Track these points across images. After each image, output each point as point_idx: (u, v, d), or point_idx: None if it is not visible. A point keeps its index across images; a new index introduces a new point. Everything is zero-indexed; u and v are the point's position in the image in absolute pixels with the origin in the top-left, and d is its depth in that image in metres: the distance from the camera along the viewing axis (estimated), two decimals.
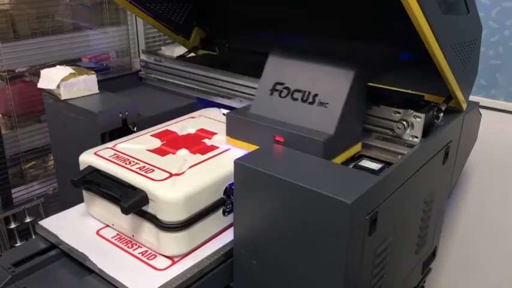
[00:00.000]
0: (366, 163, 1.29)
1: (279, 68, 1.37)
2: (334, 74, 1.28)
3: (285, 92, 1.34)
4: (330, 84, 1.27)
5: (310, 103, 1.29)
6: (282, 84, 1.35)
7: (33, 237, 1.31)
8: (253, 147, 1.29)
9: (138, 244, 1.22)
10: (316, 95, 1.29)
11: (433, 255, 1.69)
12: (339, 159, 1.30)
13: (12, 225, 2.25)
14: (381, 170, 1.25)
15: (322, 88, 1.28)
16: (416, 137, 1.34)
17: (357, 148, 1.38)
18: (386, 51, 1.57)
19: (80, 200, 1.34)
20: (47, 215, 2.06)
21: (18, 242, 2.28)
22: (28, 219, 2.30)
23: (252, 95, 1.62)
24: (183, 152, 1.34)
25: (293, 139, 1.24)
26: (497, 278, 2.14)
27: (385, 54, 1.57)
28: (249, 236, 1.17)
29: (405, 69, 1.52)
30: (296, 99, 1.32)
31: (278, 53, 1.39)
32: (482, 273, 2.18)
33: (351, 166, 1.31)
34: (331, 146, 1.23)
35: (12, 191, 2.28)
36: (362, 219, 1.03)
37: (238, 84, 1.71)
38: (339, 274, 1.02)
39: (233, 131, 1.37)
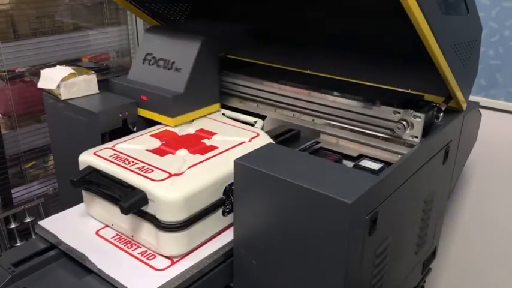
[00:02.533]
0: (366, 163, 1.29)
1: (150, 42, 1.70)
2: (186, 45, 1.61)
3: (152, 61, 1.67)
4: (183, 54, 1.60)
5: (169, 69, 1.62)
6: (151, 54, 1.68)
7: (33, 237, 1.30)
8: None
9: (137, 244, 1.22)
10: (173, 62, 1.61)
11: (433, 255, 1.69)
12: (194, 114, 1.61)
13: (12, 225, 2.25)
14: (380, 170, 1.25)
15: (178, 57, 1.61)
16: (416, 137, 1.34)
17: (215, 107, 1.69)
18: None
19: (80, 200, 1.34)
20: (47, 215, 2.06)
21: (18, 242, 2.28)
22: (28, 219, 2.30)
23: (252, 94, 1.69)
24: (182, 152, 1.34)
25: (153, 97, 1.57)
26: (497, 278, 2.13)
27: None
28: (249, 236, 1.17)
29: (405, 69, 1.52)
30: (160, 66, 1.64)
31: (151, 30, 1.74)
32: (482, 273, 2.17)
33: (351, 166, 1.31)
34: (181, 102, 1.56)
35: (12, 191, 2.28)
36: (362, 219, 1.03)
37: (238, 84, 1.71)
38: (339, 274, 1.02)
39: (117, 93, 1.68)
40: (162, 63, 1.63)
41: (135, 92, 1.61)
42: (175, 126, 1.54)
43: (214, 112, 1.69)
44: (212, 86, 1.68)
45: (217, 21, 1.93)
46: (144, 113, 1.60)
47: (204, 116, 1.65)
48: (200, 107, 1.63)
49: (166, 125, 1.55)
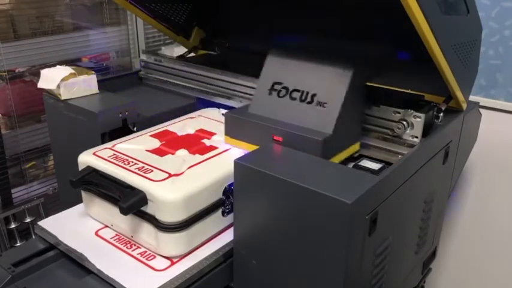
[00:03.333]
0: (366, 163, 1.29)
1: (277, 68, 1.38)
2: (332, 73, 1.28)
3: (283, 91, 1.35)
4: (328, 84, 1.28)
5: (309, 103, 1.29)
6: (280, 83, 1.36)
7: (33, 237, 1.31)
8: (252, 147, 1.30)
9: (137, 245, 1.22)
10: (314, 94, 1.29)
11: (433, 255, 1.69)
12: (337, 158, 1.30)
13: (12, 225, 2.25)
14: (380, 170, 1.24)
15: (321, 88, 1.29)
16: (416, 137, 1.34)
17: (355, 148, 1.38)
18: (384, 50, 1.57)
19: (80, 200, 1.34)
20: (47, 215, 2.06)
21: (18, 242, 2.28)
22: (28, 219, 2.30)
23: (252, 94, 1.62)
24: (182, 153, 1.34)
25: (292, 138, 1.24)
26: (498, 278, 2.13)
27: (383, 53, 1.58)
28: (249, 236, 1.17)
29: (405, 69, 1.52)
30: (294, 99, 1.32)
31: (276, 53, 1.40)
32: (482, 273, 2.17)
33: (350, 166, 1.31)
34: (330, 146, 1.24)
35: (12, 191, 2.28)
36: (362, 219, 1.03)
37: (238, 84, 1.71)
38: (339, 274, 1.02)
39: (232, 131, 1.37)
40: (298, 96, 1.32)
41: (263, 130, 1.30)
42: None
43: (353, 153, 1.40)
44: (357, 123, 1.38)
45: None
46: None
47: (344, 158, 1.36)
48: (343, 149, 1.32)
49: None
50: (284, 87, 1.35)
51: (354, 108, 1.32)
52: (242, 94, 1.70)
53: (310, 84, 1.31)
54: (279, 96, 1.35)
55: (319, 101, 1.28)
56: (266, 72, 1.39)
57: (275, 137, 1.27)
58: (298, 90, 1.32)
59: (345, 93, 1.25)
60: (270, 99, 1.36)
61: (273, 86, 1.37)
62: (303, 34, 1.76)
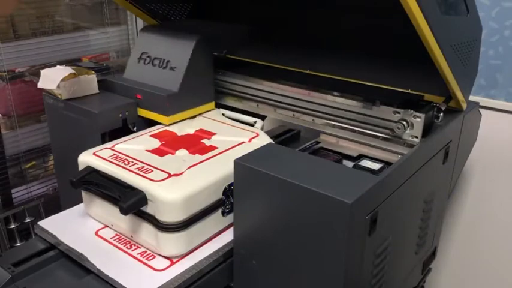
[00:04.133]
0: (365, 163, 1.30)
1: (145, 41, 1.72)
2: (181, 44, 1.62)
3: (148, 59, 1.69)
4: (178, 53, 1.61)
5: (164, 68, 1.63)
6: (146, 53, 1.70)
7: (33, 237, 1.31)
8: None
9: (137, 245, 1.22)
10: (169, 61, 1.63)
11: (433, 255, 1.68)
12: (188, 113, 1.62)
13: (12, 225, 2.25)
14: (380, 170, 1.25)
15: (174, 56, 1.62)
16: (416, 137, 1.34)
17: (208, 107, 1.70)
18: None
19: (80, 200, 1.34)
20: (47, 215, 2.06)
21: (18, 242, 2.28)
22: (28, 219, 2.29)
23: (252, 94, 1.69)
24: (182, 153, 1.34)
25: (148, 96, 1.58)
26: (498, 278, 2.13)
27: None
28: (249, 236, 1.17)
29: (405, 69, 1.52)
30: (155, 65, 1.66)
31: (147, 29, 1.75)
32: (482, 273, 2.17)
33: (351, 166, 1.31)
34: (176, 101, 1.57)
35: (12, 191, 2.28)
36: (362, 219, 1.03)
37: (238, 84, 1.71)
38: (339, 274, 1.02)
39: (113, 92, 1.68)
40: (158, 62, 1.65)
41: (130, 90, 1.62)
42: (170, 124, 1.56)
43: (209, 111, 1.70)
44: (207, 85, 1.70)
45: (217, 21, 1.92)
46: (139, 111, 1.62)
47: (199, 114, 1.66)
48: (195, 105, 1.65)
49: (166, 125, 1.55)
50: (148, 56, 1.69)
51: (200, 72, 1.64)
52: (242, 94, 1.71)
53: (167, 54, 1.64)
54: (145, 64, 1.69)
55: (172, 66, 1.62)
56: (137, 45, 1.75)
57: (137, 95, 1.60)
58: (158, 58, 1.66)
59: (188, 59, 1.58)
60: (138, 66, 1.70)
61: (141, 55, 1.70)
62: (302, 33, 1.76)
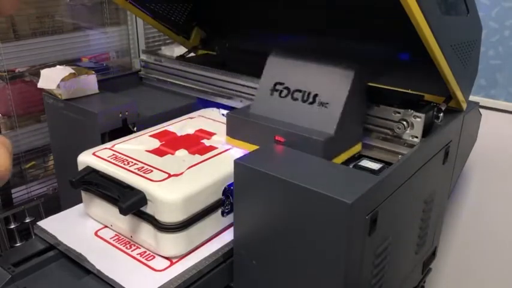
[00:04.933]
0: (366, 163, 1.29)
1: (279, 68, 1.37)
2: (334, 73, 1.28)
3: (285, 92, 1.34)
4: (330, 84, 1.27)
5: (311, 103, 1.29)
6: (282, 84, 1.35)
7: (33, 237, 1.31)
8: (253, 147, 1.29)
9: (136, 245, 1.22)
10: (316, 95, 1.29)
11: (433, 255, 1.68)
12: (339, 159, 1.30)
13: (12, 225, 2.25)
14: (380, 170, 1.24)
15: (322, 88, 1.28)
16: (416, 137, 1.34)
17: (357, 148, 1.38)
18: (385, 51, 1.57)
19: (80, 200, 1.34)
20: (47, 215, 2.06)
21: (18, 242, 2.28)
22: (28, 219, 2.29)
23: (252, 94, 1.62)
24: (181, 153, 1.34)
25: (293, 139, 1.24)
26: (497, 278, 2.13)
27: (384, 54, 1.57)
28: (249, 236, 1.17)
29: (405, 69, 1.52)
30: (296, 99, 1.32)
31: (278, 53, 1.39)
32: (482, 273, 2.17)
33: (351, 166, 1.31)
34: (331, 146, 1.24)
35: (12, 191, 2.28)
36: (362, 219, 1.03)
37: (238, 84, 1.71)
38: (339, 274, 1.02)
39: (233, 131, 1.38)
40: (300, 96, 1.31)
41: (265, 130, 1.29)
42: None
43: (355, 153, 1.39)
44: (358, 123, 1.37)
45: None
46: None
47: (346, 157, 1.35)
48: (344, 149, 1.32)
49: None
50: (286, 88, 1.34)
51: (356, 109, 1.31)
52: (242, 94, 1.70)
53: (312, 85, 1.30)
54: (281, 97, 1.34)
55: (321, 101, 1.27)
56: (268, 73, 1.39)
57: (277, 138, 1.26)
58: (300, 91, 1.32)
59: (347, 94, 1.24)
60: (272, 100, 1.35)
61: (274, 86, 1.36)
62: (303, 34, 1.76)
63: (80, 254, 1.17)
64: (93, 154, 1.31)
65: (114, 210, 1.19)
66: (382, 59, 1.56)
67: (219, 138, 1.45)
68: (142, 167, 1.24)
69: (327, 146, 1.21)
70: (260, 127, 1.31)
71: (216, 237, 1.26)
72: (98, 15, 2.60)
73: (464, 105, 1.49)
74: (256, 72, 1.47)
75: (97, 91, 1.68)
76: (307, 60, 1.34)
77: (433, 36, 1.13)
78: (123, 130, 1.56)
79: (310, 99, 1.29)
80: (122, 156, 1.30)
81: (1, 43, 2.15)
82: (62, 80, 1.59)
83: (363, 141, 1.42)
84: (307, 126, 1.26)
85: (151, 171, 1.22)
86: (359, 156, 1.43)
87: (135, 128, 1.60)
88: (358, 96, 1.30)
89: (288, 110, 1.31)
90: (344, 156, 1.32)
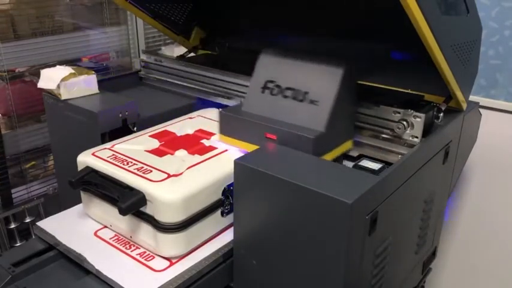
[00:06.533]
0: (366, 163, 1.29)
1: (270, 66, 1.39)
2: (324, 71, 1.30)
3: (276, 90, 1.36)
4: (320, 82, 1.29)
5: (301, 101, 1.31)
6: (273, 82, 1.37)
7: (33, 237, 1.31)
8: (245, 145, 1.33)
9: (136, 245, 1.22)
10: (306, 92, 1.31)
11: (433, 255, 1.68)
12: (330, 155, 1.31)
13: (12, 225, 2.25)
14: (380, 170, 1.24)
15: (313, 86, 1.30)
16: (416, 137, 1.34)
17: (348, 145, 1.40)
18: (377, 49, 1.58)
19: (80, 200, 1.34)
20: (47, 215, 2.06)
21: (18, 242, 2.28)
22: (28, 219, 2.30)
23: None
24: (181, 153, 1.34)
25: (284, 136, 1.26)
26: (497, 278, 2.13)
27: (375, 52, 1.58)
28: (249, 236, 1.17)
29: (405, 69, 1.52)
30: (287, 97, 1.34)
31: (269, 52, 1.41)
32: (482, 273, 2.17)
33: (350, 166, 1.31)
34: (322, 143, 1.25)
35: (12, 191, 2.28)
36: (362, 219, 1.03)
37: (238, 84, 1.71)
38: (339, 274, 1.02)
39: (226, 129, 1.39)
40: (290, 94, 1.33)
41: (257, 128, 1.31)
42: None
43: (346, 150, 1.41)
44: (349, 121, 1.39)
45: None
46: None
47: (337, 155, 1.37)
48: (336, 146, 1.34)
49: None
50: (277, 86, 1.36)
51: (346, 106, 1.33)
52: (242, 94, 1.70)
53: (303, 83, 1.32)
54: (272, 95, 1.36)
55: (311, 99, 1.29)
56: (259, 71, 1.41)
57: (268, 135, 1.28)
58: (290, 89, 1.34)
59: (337, 91, 1.26)
60: (263, 98, 1.37)
61: (265, 84, 1.38)
62: (302, 33, 1.76)
63: (80, 254, 1.17)
64: (93, 154, 1.31)
65: (114, 211, 1.18)
66: (374, 57, 1.56)
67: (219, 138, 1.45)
68: (142, 167, 1.24)
69: (318, 143, 1.23)
70: (251, 125, 1.32)
71: (216, 237, 1.26)
72: (98, 15, 2.60)
73: (464, 105, 1.49)
74: None
75: (97, 91, 1.68)
76: (298, 58, 1.36)
77: (433, 36, 1.13)
78: (123, 130, 1.56)
79: (301, 97, 1.31)
80: (122, 156, 1.30)
81: (1, 43, 2.15)
82: (62, 80, 1.59)
83: (363, 141, 1.42)
84: (297, 124, 1.28)
85: (151, 171, 1.22)
86: (359, 156, 1.43)
87: (135, 128, 1.60)
88: (348, 93, 1.32)
89: (278, 108, 1.33)
90: (335, 153, 1.34)
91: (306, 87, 1.31)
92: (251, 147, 1.28)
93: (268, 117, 1.33)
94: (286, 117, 1.31)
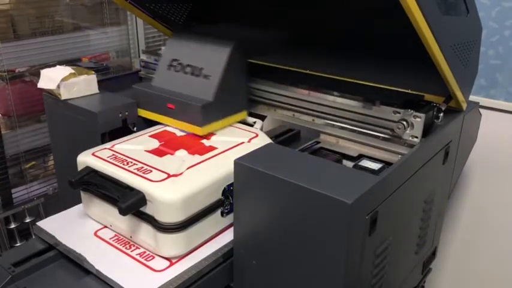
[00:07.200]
0: (365, 163, 1.29)
1: (176, 47, 1.63)
2: (215, 51, 1.52)
3: (178, 67, 1.59)
4: (213, 59, 1.52)
5: (197, 76, 1.53)
6: (177, 60, 1.60)
7: (33, 237, 1.31)
8: (155, 116, 1.57)
9: (136, 245, 1.22)
10: (201, 68, 1.53)
11: (433, 255, 1.68)
12: (221, 124, 1.52)
13: (12, 225, 2.25)
14: (380, 170, 1.24)
15: (207, 63, 1.53)
16: (416, 137, 1.34)
17: (241, 115, 1.61)
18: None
19: (80, 200, 1.34)
20: (47, 215, 2.06)
21: (18, 242, 2.28)
22: (28, 219, 2.29)
23: (252, 94, 1.68)
24: (181, 153, 1.34)
25: (181, 106, 1.48)
26: (497, 278, 2.13)
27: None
28: (249, 236, 1.17)
29: (405, 69, 1.51)
30: (187, 73, 1.56)
31: (176, 35, 1.66)
32: (482, 273, 2.17)
33: (350, 166, 1.31)
34: (210, 111, 1.47)
35: (12, 191, 2.28)
36: (362, 219, 1.03)
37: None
38: (339, 274, 1.02)
39: (140, 102, 1.61)
40: (190, 70, 1.55)
41: (161, 100, 1.53)
42: (203, 135, 1.48)
43: (241, 120, 1.61)
44: (241, 93, 1.61)
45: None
46: (170, 121, 1.53)
47: (231, 124, 1.57)
48: (228, 115, 1.55)
49: (167, 126, 1.54)
50: (179, 64, 1.59)
51: (235, 80, 1.55)
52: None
53: (200, 61, 1.54)
54: (176, 71, 1.59)
55: (205, 74, 1.52)
56: (167, 51, 1.65)
57: (169, 105, 1.51)
58: (190, 66, 1.56)
59: (224, 67, 1.48)
60: (168, 74, 1.60)
61: (171, 62, 1.61)
62: (304, 33, 1.76)
63: (80, 254, 1.17)
64: (93, 154, 1.31)
65: (114, 211, 1.18)
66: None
67: (219, 138, 1.45)
68: (142, 167, 1.24)
69: (205, 111, 1.45)
70: (157, 97, 1.55)
71: (216, 238, 1.26)
72: (98, 15, 2.60)
73: (464, 105, 1.49)
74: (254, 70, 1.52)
75: (97, 91, 1.68)
76: (197, 40, 1.59)
77: (433, 37, 1.13)
78: (123, 130, 1.56)
79: (197, 73, 1.54)
80: (122, 156, 1.30)
81: (1, 43, 2.15)
82: (62, 80, 1.59)
83: (363, 141, 1.42)
84: (192, 95, 1.50)
85: (151, 171, 1.22)
86: (359, 156, 1.43)
87: (135, 128, 1.60)
88: (237, 70, 1.54)
89: (180, 82, 1.55)
90: (226, 122, 1.54)
91: (201, 64, 1.54)
92: (160, 118, 1.55)
93: (171, 90, 1.55)
94: (184, 89, 1.53)
